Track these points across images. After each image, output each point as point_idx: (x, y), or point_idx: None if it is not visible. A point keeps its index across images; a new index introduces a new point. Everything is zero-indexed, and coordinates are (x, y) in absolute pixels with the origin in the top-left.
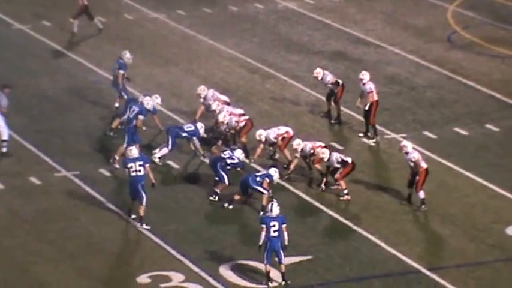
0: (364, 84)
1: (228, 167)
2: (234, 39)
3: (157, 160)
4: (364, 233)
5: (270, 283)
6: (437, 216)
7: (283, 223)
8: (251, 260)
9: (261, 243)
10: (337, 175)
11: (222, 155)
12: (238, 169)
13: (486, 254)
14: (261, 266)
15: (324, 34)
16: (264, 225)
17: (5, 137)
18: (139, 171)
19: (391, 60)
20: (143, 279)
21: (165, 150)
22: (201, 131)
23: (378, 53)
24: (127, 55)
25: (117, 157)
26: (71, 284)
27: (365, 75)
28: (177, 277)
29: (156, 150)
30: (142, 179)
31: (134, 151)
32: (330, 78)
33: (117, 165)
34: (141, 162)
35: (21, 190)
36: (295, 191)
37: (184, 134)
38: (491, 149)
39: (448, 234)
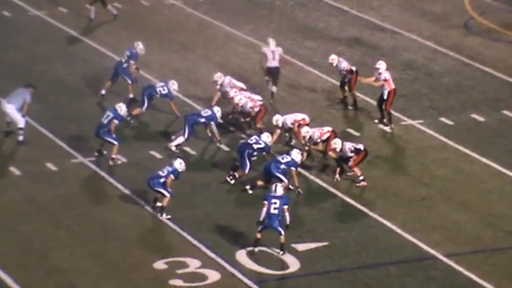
0: (380, 73)
1: (255, 153)
2: (250, 25)
3: (173, 148)
4: (380, 219)
5: (255, 248)
6: (453, 203)
7: (285, 204)
8: (268, 247)
9: (261, 219)
10: (350, 163)
11: (249, 141)
12: (264, 153)
13: (503, 240)
14: (276, 253)
15: (340, 20)
16: (265, 202)
17: (21, 124)
18: (163, 172)
19: (408, 46)
20: (159, 265)
21: (181, 139)
22: (218, 115)
23: (394, 39)
24: (140, 46)
25: (113, 156)
26: (87, 270)
27: (381, 65)
28: (193, 263)
29: (173, 137)
30: (159, 178)
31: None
32: (344, 65)
33: (118, 162)
34: (170, 169)
35: (38, 176)
36: (311, 177)
37: (202, 120)
38: (507, 135)
39: (465, 220)
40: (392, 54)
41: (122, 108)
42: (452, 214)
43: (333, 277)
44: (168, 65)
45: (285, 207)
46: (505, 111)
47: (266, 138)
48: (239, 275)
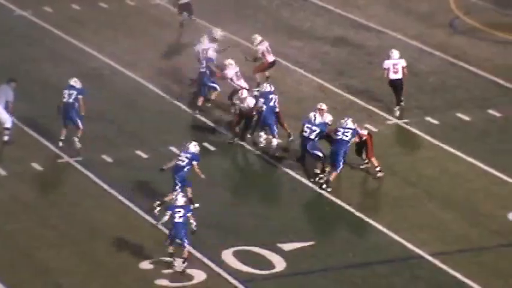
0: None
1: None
2: (235, 25)
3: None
4: (367, 218)
5: (173, 263)
6: (439, 202)
7: (189, 211)
8: (254, 246)
9: (160, 223)
10: (364, 154)
11: (336, 136)
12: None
13: (489, 239)
14: (263, 252)
15: (325, 20)
16: (168, 212)
17: (8, 124)
18: (183, 161)
19: (394, 45)
20: (145, 265)
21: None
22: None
23: (380, 39)
24: (219, 32)
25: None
26: (74, 270)
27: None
28: (179, 263)
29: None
30: (182, 170)
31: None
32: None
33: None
34: (189, 155)
35: (24, 176)
36: (297, 176)
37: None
38: (493, 134)
39: (451, 219)
40: (378, 54)
41: (77, 82)
42: (439, 213)
43: (320, 276)
44: (153, 64)
45: (189, 214)
46: (490, 111)
47: (351, 123)
48: (225, 275)
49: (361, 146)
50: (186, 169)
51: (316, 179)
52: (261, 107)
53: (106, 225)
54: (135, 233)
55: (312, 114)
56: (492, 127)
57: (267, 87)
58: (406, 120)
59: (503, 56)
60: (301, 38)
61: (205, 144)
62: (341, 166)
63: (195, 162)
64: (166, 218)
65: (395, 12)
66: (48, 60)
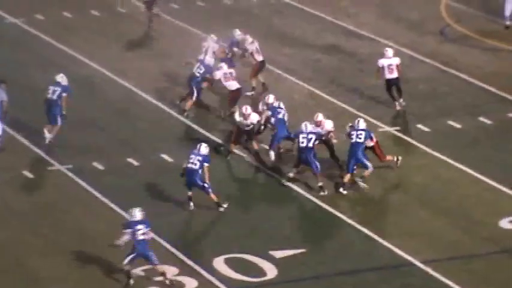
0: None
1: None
2: (228, 32)
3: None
4: (358, 225)
5: (130, 282)
6: (431, 209)
7: (148, 226)
8: (245, 254)
9: (120, 243)
10: (379, 157)
11: (350, 139)
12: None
13: (480, 246)
14: (255, 260)
15: (317, 27)
16: (129, 229)
17: None
18: (195, 164)
19: (385, 53)
20: (137, 272)
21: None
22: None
23: (371, 46)
24: (237, 32)
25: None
26: (64, 278)
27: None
28: (170, 270)
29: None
30: (197, 173)
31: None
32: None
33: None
34: (200, 158)
35: (14, 184)
36: (287, 183)
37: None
38: (484, 141)
39: (442, 227)
40: (369, 61)
41: (63, 78)
42: (430, 220)
43: (311, 284)
44: (145, 72)
45: (148, 229)
46: (481, 118)
47: (363, 124)
48: (217, 283)
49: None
50: (200, 172)
51: (321, 193)
52: (269, 115)
53: (97, 233)
54: None
55: (303, 125)
56: (483, 134)
57: (274, 102)
58: (397, 128)
59: (494, 64)
60: (292, 45)
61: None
62: (370, 167)
63: (206, 164)
64: (126, 236)
65: (386, 20)
66: (39, 68)
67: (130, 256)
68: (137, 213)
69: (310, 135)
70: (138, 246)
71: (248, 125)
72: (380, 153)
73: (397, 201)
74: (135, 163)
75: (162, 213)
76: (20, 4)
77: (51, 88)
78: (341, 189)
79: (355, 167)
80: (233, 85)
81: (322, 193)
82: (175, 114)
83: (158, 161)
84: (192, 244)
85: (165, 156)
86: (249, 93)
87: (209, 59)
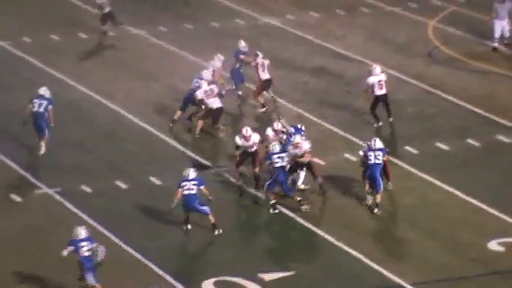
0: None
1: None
2: (215, 55)
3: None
4: (347, 248)
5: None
6: (419, 231)
7: (94, 242)
8: (234, 277)
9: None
10: (387, 177)
11: (368, 161)
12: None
13: (468, 268)
14: (244, 282)
15: (305, 50)
16: (72, 247)
17: None
18: (192, 189)
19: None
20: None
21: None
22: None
23: (359, 68)
24: (242, 44)
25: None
26: None
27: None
28: None
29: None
30: (196, 197)
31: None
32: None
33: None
34: (195, 182)
35: (2, 207)
36: (278, 206)
37: None
38: (472, 163)
39: (430, 249)
40: (357, 83)
41: (46, 91)
42: (418, 242)
43: None
44: (133, 94)
45: (94, 245)
46: (469, 140)
47: (380, 143)
48: None
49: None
50: (197, 196)
51: (304, 208)
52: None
53: None
54: (113, 263)
55: (271, 146)
56: (471, 156)
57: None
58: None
59: (482, 86)
60: (281, 68)
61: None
62: (381, 186)
63: (202, 187)
64: (65, 252)
65: (374, 42)
66: (25, 90)
67: (85, 273)
68: (82, 232)
69: (282, 154)
70: (84, 262)
71: (251, 146)
72: (389, 171)
73: (386, 223)
74: (123, 186)
75: (150, 236)
76: (7, 27)
77: (37, 101)
78: (376, 210)
79: (381, 186)
80: (215, 102)
81: (304, 207)
82: (162, 136)
83: (146, 184)
84: (181, 267)
85: (153, 179)
86: (262, 110)
87: (207, 75)
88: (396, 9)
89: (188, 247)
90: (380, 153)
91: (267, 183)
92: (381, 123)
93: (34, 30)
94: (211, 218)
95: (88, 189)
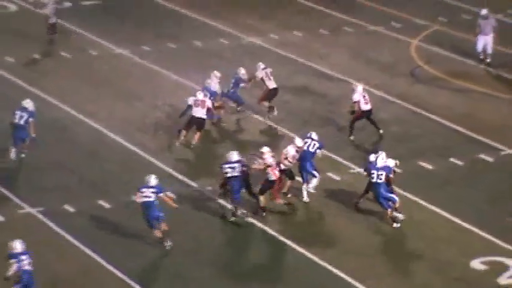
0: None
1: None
2: (198, 74)
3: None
4: (330, 267)
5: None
6: (403, 250)
7: (29, 256)
8: None
9: (9, 274)
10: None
11: (371, 179)
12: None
13: (452, 287)
14: None
15: (289, 69)
16: (13, 260)
17: None
18: (150, 197)
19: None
20: None
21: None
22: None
23: (342, 88)
24: (242, 71)
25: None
26: None
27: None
28: None
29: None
30: (153, 204)
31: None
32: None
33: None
34: (154, 190)
35: None
36: (259, 224)
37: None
38: (455, 183)
39: (414, 268)
40: (341, 103)
41: (29, 104)
42: (402, 261)
43: None
44: (116, 113)
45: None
46: (452, 159)
47: (390, 161)
48: None
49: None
50: (155, 203)
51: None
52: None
53: (68, 277)
54: (96, 283)
55: (227, 155)
56: (454, 175)
57: (312, 134)
58: None
59: (465, 105)
60: (264, 87)
61: (168, 193)
62: (396, 198)
63: (161, 194)
64: (14, 267)
65: (358, 61)
66: (8, 110)
67: (17, 286)
68: (18, 245)
69: (233, 165)
70: (24, 276)
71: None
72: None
73: (370, 242)
74: (106, 205)
75: (133, 256)
76: None
77: (18, 113)
78: (394, 225)
79: (390, 203)
80: (198, 112)
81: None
82: (145, 155)
83: (129, 203)
84: (164, 286)
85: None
86: (272, 115)
87: (215, 85)
88: (379, 28)
89: (170, 266)
90: (383, 173)
91: (232, 197)
92: (352, 138)
93: (17, 50)
94: (164, 226)
95: (71, 209)
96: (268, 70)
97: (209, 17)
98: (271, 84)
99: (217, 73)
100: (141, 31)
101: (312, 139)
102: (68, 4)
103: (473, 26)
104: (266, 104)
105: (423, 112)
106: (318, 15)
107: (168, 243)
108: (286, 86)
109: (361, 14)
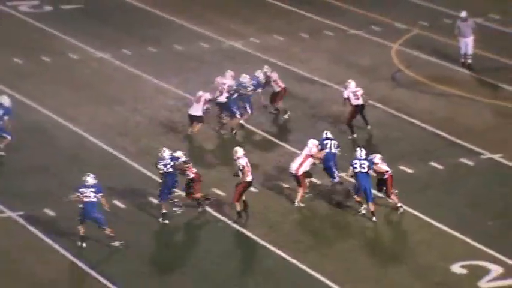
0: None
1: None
2: (179, 78)
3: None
4: (310, 270)
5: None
6: (383, 254)
7: None
8: None
9: None
10: (385, 191)
11: (360, 170)
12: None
13: None
14: None
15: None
16: None
17: None
18: (90, 197)
19: (337, 98)
20: None
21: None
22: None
23: (323, 92)
24: (246, 78)
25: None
26: None
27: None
28: None
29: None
30: (94, 205)
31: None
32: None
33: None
34: (93, 189)
35: None
36: (241, 229)
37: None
38: (436, 187)
39: (394, 272)
40: (321, 107)
41: (5, 100)
42: (382, 266)
43: None
44: (96, 117)
45: None
46: (433, 163)
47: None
48: None
49: (383, 183)
50: (96, 204)
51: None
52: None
53: (49, 282)
54: None
55: (160, 152)
56: (435, 179)
57: (326, 134)
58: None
59: (445, 109)
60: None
61: (151, 198)
62: (372, 194)
63: (99, 195)
64: None
65: (339, 65)
66: None
67: None
68: None
69: (167, 161)
70: None
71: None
72: (389, 188)
73: (350, 246)
74: None
75: (116, 260)
76: None
77: None
78: (374, 219)
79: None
80: (193, 109)
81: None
82: (125, 159)
83: (110, 207)
84: None
85: (116, 202)
86: (286, 116)
87: (244, 78)
88: (359, 32)
89: (153, 271)
90: (365, 162)
91: (159, 192)
92: (355, 135)
93: None
94: (107, 230)
95: (52, 213)
96: (275, 75)
97: (190, 20)
98: (282, 84)
99: (268, 68)
100: (122, 35)
101: (330, 139)
102: (48, 8)
103: (454, 30)
104: (281, 104)
105: (404, 116)
106: (298, 18)
107: (118, 243)
108: (267, 90)
109: (342, 17)
